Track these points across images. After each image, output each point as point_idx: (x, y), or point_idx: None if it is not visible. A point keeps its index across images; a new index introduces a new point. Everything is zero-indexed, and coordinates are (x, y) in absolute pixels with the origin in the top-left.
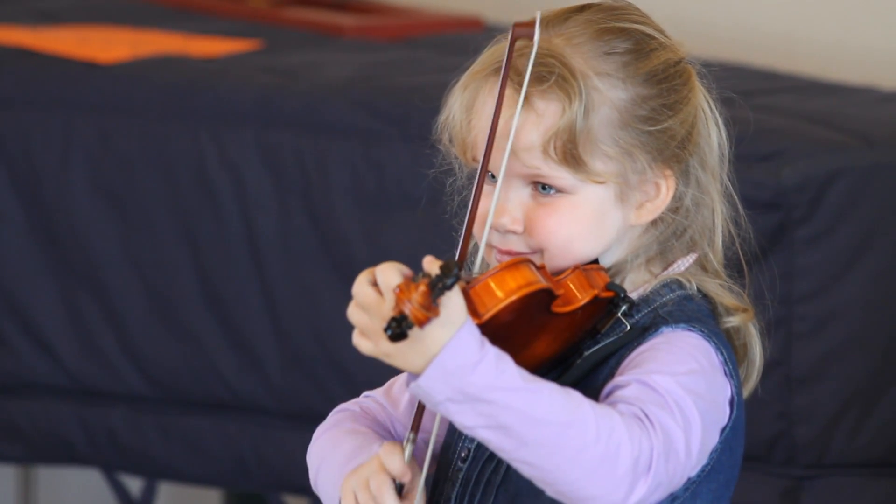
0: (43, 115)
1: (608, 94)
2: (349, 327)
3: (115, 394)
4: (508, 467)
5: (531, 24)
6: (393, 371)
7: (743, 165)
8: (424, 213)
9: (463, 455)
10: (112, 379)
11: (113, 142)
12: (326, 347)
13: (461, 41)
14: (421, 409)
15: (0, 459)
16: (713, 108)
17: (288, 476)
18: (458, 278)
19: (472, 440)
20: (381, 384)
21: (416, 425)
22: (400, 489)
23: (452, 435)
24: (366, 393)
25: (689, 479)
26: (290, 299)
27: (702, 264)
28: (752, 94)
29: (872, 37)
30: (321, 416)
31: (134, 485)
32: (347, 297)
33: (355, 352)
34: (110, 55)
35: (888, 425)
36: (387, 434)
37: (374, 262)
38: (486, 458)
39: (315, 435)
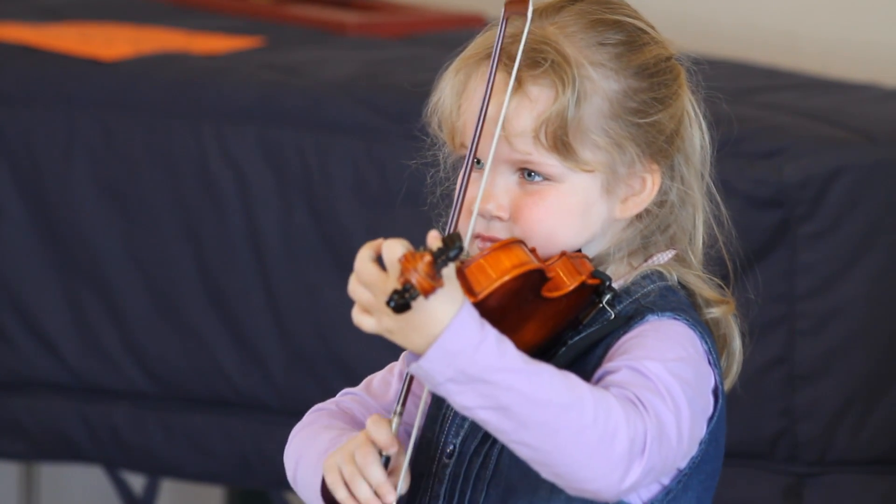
0: (45, 112)
1: (600, 84)
2: (352, 324)
3: (118, 391)
4: (497, 462)
5: (524, 3)
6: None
7: (745, 163)
8: (421, 209)
9: (448, 451)
10: (115, 376)
11: (115, 139)
12: (329, 344)
13: (463, 38)
14: (409, 383)
15: (2, 457)
16: (697, 110)
17: None
18: (461, 249)
19: (456, 435)
20: None
21: (404, 399)
22: (386, 462)
23: (433, 430)
24: (344, 390)
25: (679, 471)
26: (293, 296)
27: (681, 261)
28: (754, 91)
29: (874, 34)
30: None
31: (136, 482)
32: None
33: (358, 348)
34: (112, 52)
35: (891, 422)
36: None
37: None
38: (471, 453)
39: (291, 434)
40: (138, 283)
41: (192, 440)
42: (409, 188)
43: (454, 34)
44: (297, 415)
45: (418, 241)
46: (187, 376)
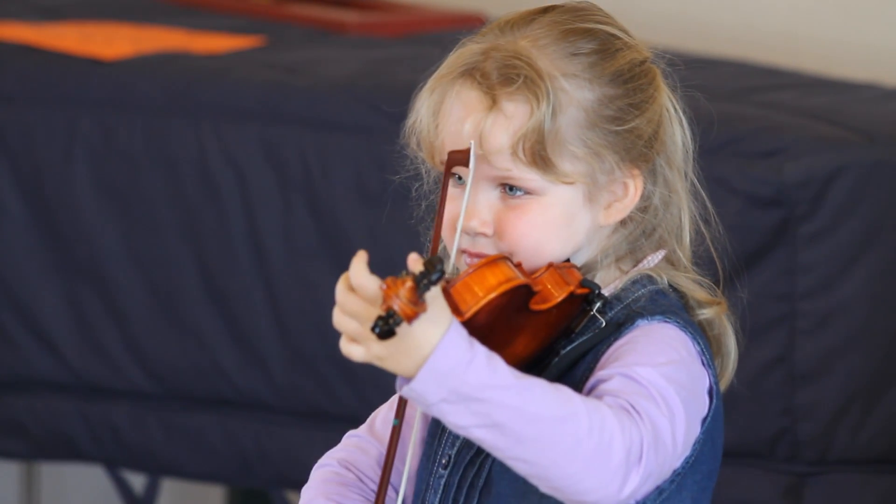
0: (45, 111)
1: (575, 94)
2: None
3: (118, 390)
4: (490, 470)
5: (466, 152)
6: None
7: (745, 162)
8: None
9: (444, 462)
10: (115, 375)
11: (116, 138)
12: (329, 344)
13: (463, 38)
14: (385, 479)
15: (3, 456)
16: (676, 107)
17: (290, 472)
18: (443, 273)
19: (452, 446)
20: (383, 382)
21: (383, 483)
22: None
23: (431, 444)
24: (349, 433)
25: (674, 471)
26: (293, 296)
27: (670, 261)
28: (754, 91)
29: (875, 33)
30: (323, 413)
31: (137, 481)
32: None
33: None
34: (113, 51)
35: (891, 421)
36: (365, 493)
37: (377, 258)
38: (466, 463)
39: (301, 498)
40: (138, 283)
41: (192, 440)
42: (408, 189)
43: (454, 34)
44: (297, 415)
45: (419, 240)
46: (187, 375)
